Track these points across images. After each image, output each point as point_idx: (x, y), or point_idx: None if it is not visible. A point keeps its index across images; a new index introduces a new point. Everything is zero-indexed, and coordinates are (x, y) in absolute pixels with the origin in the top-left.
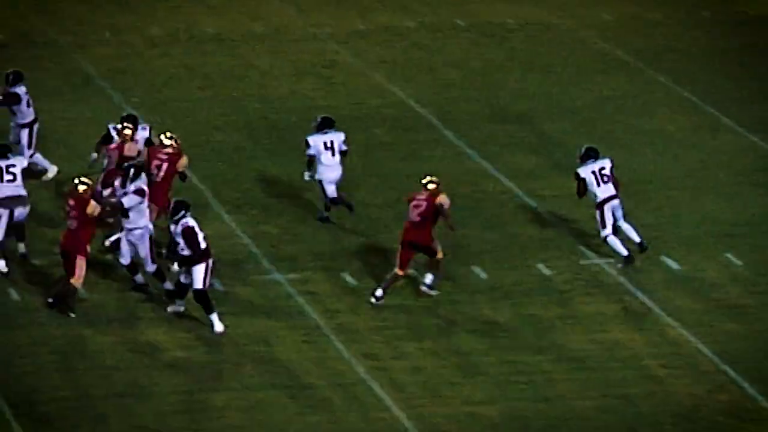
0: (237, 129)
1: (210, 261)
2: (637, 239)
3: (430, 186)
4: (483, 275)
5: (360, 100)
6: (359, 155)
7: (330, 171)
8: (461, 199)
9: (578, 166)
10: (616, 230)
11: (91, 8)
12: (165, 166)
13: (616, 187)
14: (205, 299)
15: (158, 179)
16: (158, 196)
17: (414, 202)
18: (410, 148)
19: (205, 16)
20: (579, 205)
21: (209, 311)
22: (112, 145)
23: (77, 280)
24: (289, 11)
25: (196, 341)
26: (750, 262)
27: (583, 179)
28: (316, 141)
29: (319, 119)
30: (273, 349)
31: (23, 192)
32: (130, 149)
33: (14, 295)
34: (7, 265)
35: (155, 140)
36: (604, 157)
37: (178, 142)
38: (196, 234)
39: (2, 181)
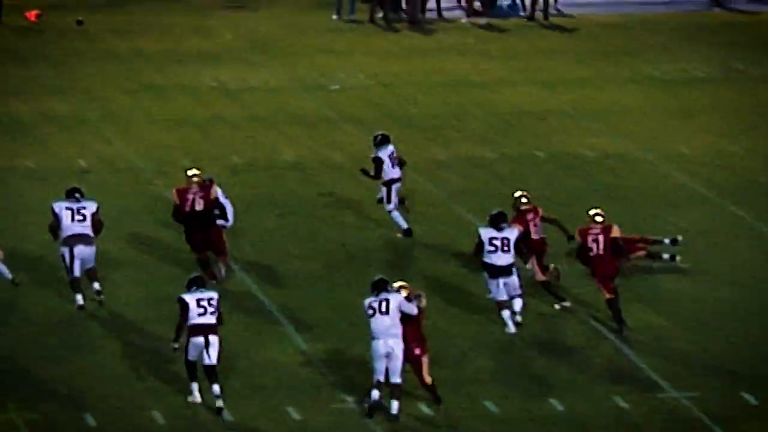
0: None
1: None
2: (404, 225)
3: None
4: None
5: (439, 231)
6: (437, 289)
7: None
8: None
9: (376, 151)
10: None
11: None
12: (601, 238)
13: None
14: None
15: (600, 252)
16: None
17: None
18: None
19: (285, 145)
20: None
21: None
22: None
23: None
24: (369, 141)
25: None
26: None
27: (382, 160)
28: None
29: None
30: None
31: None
32: None
33: None
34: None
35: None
36: (391, 144)
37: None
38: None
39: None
